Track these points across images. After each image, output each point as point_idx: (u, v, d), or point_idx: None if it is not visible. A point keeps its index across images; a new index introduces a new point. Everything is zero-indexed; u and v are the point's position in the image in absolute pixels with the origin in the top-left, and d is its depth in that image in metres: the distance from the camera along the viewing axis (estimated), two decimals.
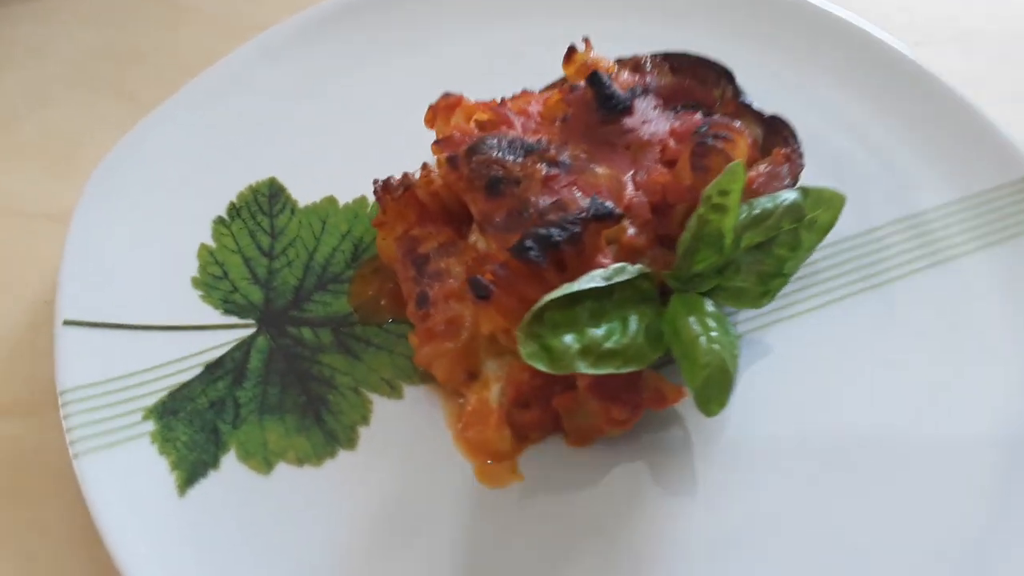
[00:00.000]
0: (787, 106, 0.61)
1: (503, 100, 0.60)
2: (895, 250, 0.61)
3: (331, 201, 0.64)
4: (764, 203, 0.53)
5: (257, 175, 0.65)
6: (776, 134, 0.58)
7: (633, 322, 0.49)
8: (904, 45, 0.69)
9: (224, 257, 0.61)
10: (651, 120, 0.56)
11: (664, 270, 0.52)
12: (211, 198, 0.63)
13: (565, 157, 0.54)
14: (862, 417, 0.54)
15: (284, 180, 0.65)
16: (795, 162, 0.55)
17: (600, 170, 0.54)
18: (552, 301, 0.47)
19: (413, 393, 0.56)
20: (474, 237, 0.55)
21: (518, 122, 0.57)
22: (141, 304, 0.57)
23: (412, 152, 0.61)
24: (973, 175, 0.63)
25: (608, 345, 0.48)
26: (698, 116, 0.56)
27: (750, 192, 0.53)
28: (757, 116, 0.58)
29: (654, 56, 0.62)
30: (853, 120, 0.68)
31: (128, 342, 0.56)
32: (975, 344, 0.57)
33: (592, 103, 0.55)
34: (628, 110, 0.55)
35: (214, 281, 0.59)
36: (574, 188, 0.53)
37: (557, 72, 0.62)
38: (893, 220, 0.62)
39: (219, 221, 0.62)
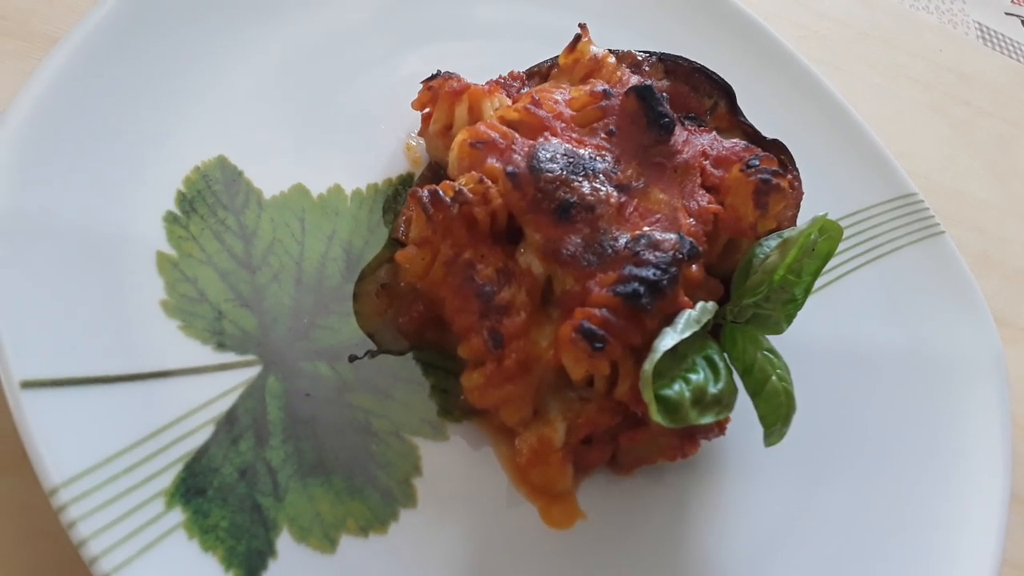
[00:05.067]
0: None
1: (525, 93, 0.54)
2: None
3: (302, 192, 0.53)
4: (788, 235, 0.55)
5: (202, 152, 0.51)
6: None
7: (719, 363, 0.49)
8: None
9: (194, 271, 0.47)
10: (688, 140, 0.55)
11: (710, 299, 0.53)
12: (151, 184, 0.48)
13: (628, 179, 0.51)
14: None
15: (236, 160, 0.52)
16: (798, 190, 0.58)
17: (659, 195, 0.52)
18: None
19: (456, 432, 0.50)
20: (525, 260, 0.50)
21: (558, 127, 0.52)
22: (109, 345, 0.43)
23: (384, 130, 0.53)
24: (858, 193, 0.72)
25: (712, 391, 0.48)
26: (736, 143, 0.56)
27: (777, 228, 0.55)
28: (756, 137, 0.59)
29: (650, 55, 0.60)
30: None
31: (110, 401, 0.42)
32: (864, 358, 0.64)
33: (641, 119, 0.53)
34: (674, 129, 0.53)
35: (191, 305, 0.46)
36: (636, 216, 0.51)
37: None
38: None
39: (171, 218, 0.48)
